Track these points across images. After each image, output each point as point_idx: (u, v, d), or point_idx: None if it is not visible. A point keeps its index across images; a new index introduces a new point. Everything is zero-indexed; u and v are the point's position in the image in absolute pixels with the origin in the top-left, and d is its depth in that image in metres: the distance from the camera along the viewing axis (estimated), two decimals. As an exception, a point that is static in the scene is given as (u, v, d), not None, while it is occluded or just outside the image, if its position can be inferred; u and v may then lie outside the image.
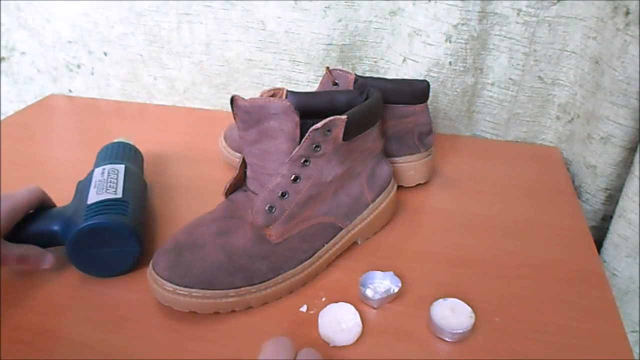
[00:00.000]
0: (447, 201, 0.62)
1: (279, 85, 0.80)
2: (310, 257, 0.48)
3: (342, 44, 0.73)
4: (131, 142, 0.63)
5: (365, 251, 0.53)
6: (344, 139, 0.47)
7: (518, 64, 0.69)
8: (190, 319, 0.44)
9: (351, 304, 0.45)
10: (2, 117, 0.92)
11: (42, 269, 0.49)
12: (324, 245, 0.49)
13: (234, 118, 0.47)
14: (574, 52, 0.67)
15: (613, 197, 0.64)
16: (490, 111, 0.75)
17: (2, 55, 0.88)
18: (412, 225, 0.58)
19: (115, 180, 0.52)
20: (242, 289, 0.44)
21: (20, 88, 0.92)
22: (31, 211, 0.49)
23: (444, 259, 0.52)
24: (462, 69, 0.70)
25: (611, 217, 0.61)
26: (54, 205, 0.52)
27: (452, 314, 0.44)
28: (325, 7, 0.70)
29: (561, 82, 0.70)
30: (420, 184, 0.64)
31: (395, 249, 0.54)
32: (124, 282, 0.49)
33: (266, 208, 0.46)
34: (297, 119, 0.45)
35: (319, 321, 0.43)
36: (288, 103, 0.44)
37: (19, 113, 0.85)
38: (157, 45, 0.80)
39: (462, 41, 0.67)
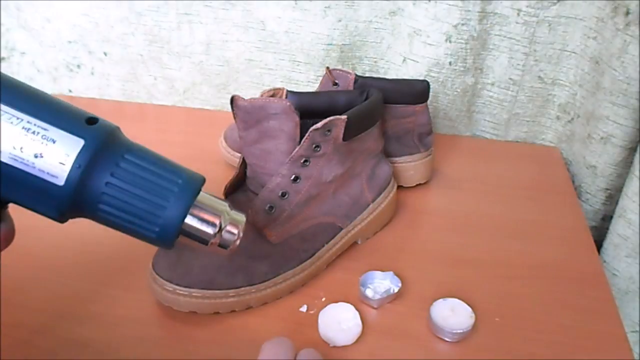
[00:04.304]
0: (447, 201, 0.62)
1: (279, 85, 0.80)
2: (310, 257, 0.48)
3: (342, 44, 0.73)
4: None
5: (365, 251, 0.53)
6: (344, 139, 0.47)
7: (518, 64, 0.69)
8: (190, 319, 0.44)
9: (351, 304, 0.45)
10: (2, 117, 0.92)
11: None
12: (324, 245, 0.49)
13: (234, 118, 0.47)
14: (574, 52, 0.67)
15: (613, 197, 0.64)
16: (490, 111, 0.75)
17: (2, 55, 0.88)
18: (412, 225, 0.58)
19: None
20: (242, 289, 0.44)
21: (20, 88, 0.92)
22: None
23: (444, 259, 0.52)
24: (462, 69, 0.70)
25: (611, 217, 0.61)
26: None
27: (452, 314, 0.44)
28: (325, 7, 0.70)
29: (561, 82, 0.70)
30: (420, 184, 0.64)
31: (395, 249, 0.54)
32: (123, 281, 0.49)
33: (266, 208, 0.46)
34: (297, 119, 0.45)
35: (319, 321, 0.43)
36: (288, 103, 0.44)
37: (19, 113, 0.85)
38: (157, 45, 0.80)
39: (462, 41, 0.67)
